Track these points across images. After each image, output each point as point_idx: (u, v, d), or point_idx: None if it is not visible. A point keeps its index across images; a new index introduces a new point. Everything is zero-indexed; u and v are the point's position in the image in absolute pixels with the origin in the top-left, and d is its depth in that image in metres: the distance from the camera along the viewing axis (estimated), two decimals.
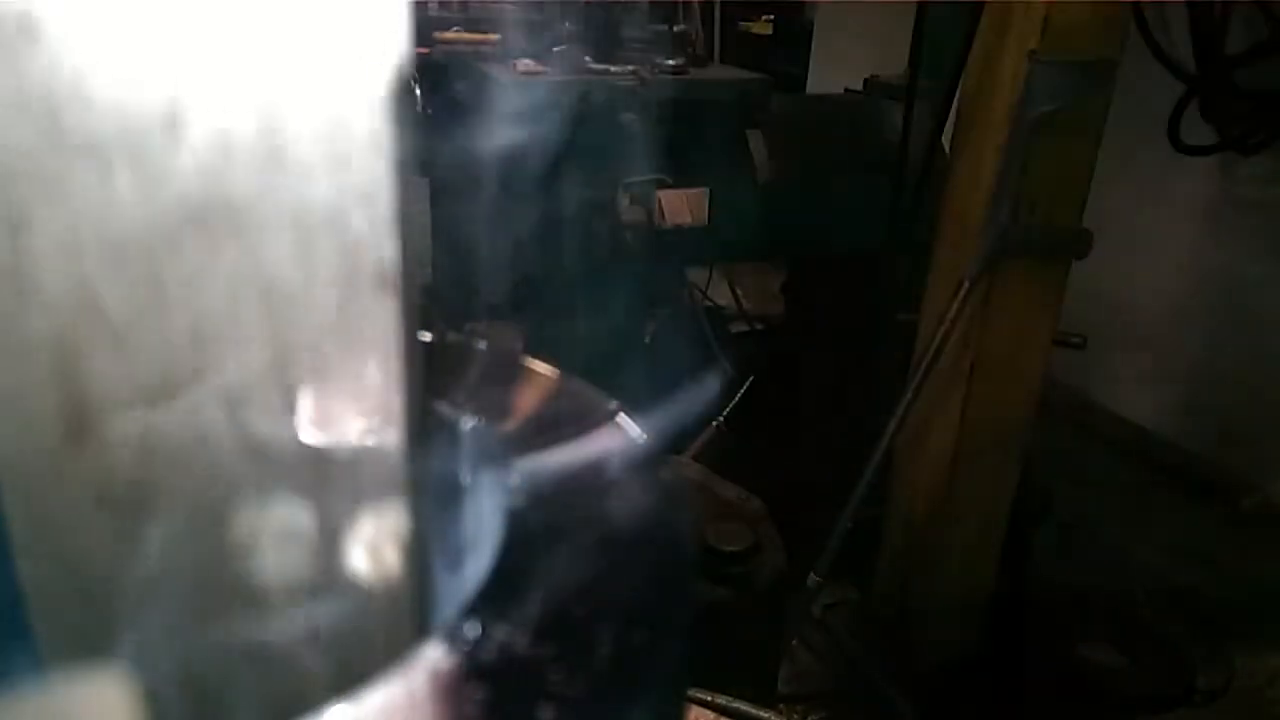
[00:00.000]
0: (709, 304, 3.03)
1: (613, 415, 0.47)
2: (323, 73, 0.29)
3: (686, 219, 2.01)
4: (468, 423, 0.45)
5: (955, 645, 2.11)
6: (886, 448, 1.85)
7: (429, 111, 2.23)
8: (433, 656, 0.30)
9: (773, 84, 2.14)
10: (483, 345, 0.53)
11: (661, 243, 2.02)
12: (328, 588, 0.32)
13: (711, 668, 1.16)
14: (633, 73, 1.97)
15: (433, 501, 0.37)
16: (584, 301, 2.12)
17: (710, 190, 2.03)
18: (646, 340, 2.40)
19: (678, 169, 2.05)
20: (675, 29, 2.22)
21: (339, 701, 0.27)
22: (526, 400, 0.49)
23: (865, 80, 2.59)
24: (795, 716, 2.03)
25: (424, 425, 0.35)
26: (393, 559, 0.33)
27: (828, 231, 2.38)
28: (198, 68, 0.28)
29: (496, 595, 0.33)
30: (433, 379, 0.46)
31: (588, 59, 2.02)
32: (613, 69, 1.99)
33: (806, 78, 4.70)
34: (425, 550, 0.35)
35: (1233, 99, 2.50)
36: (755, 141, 2.24)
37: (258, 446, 0.31)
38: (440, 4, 2.29)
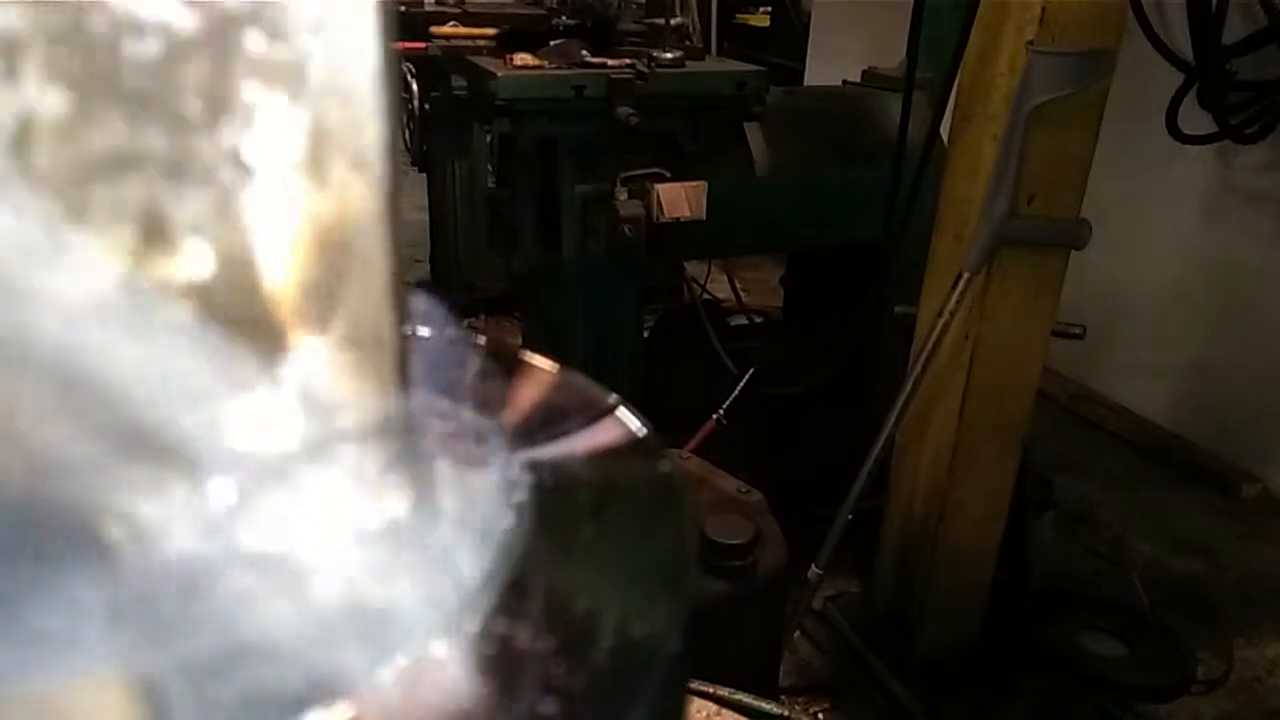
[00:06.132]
0: (708, 297, 3.03)
1: (612, 409, 0.47)
2: None
3: (685, 212, 2.00)
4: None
5: (955, 636, 2.12)
6: (886, 439, 1.85)
7: (425, 106, 2.23)
8: (434, 652, 0.30)
9: (770, 76, 2.14)
10: (480, 340, 0.53)
11: (660, 236, 2.02)
12: None
13: (713, 660, 1.17)
14: (630, 66, 1.97)
15: None
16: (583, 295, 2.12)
17: (708, 183, 2.03)
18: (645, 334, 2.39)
19: (676, 162, 2.04)
20: (672, 21, 2.22)
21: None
22: (525, 394, 0.48)
23: (863, 72, 2.59)
24: (797, 708, 2.04)
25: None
26: None
27: (826, 224, 2.38)
28: None
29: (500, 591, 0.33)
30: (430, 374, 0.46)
31: (585, 52, 2.02)
32: (610, 62, 1.99)
33: (804, 70, 4.69)
34: None
35: (1230, 88, 2.50)
36: (753, 134, 2.23)
37: None
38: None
